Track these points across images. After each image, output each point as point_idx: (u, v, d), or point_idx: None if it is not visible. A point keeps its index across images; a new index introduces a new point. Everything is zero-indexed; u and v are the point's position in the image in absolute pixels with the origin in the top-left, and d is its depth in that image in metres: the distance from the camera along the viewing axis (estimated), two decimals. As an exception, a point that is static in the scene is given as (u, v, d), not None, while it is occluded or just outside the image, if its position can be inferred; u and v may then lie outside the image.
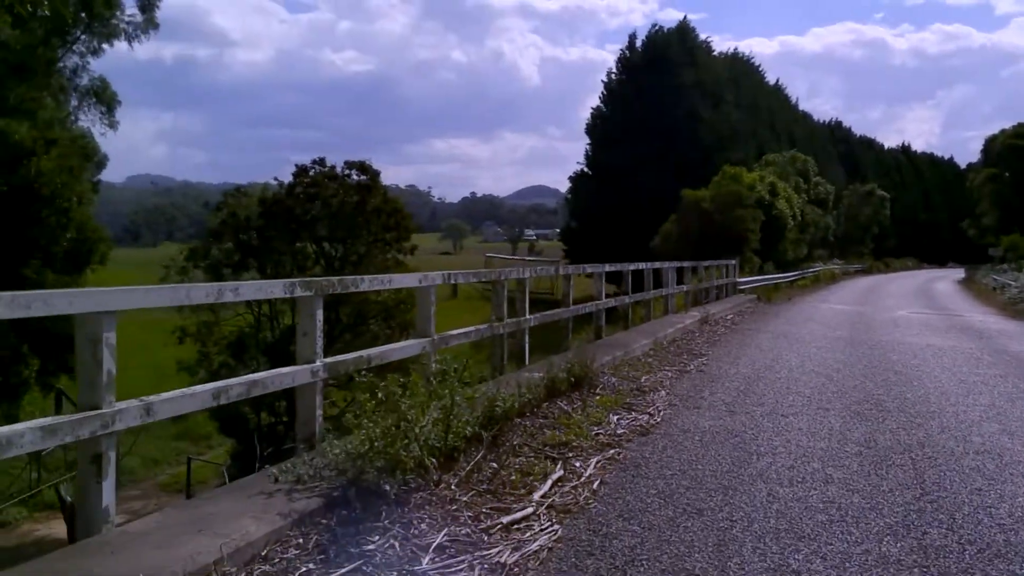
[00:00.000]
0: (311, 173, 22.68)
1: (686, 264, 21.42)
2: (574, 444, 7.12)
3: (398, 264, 22.14)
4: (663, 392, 10.20)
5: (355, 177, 22.23)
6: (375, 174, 22.23)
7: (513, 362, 10.19)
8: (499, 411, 6.89)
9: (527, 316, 10.23)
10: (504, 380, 8.60)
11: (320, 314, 6.11)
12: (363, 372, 6.37)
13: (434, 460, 5.65)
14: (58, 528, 21.13)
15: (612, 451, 7.11)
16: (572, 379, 9.28)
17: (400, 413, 5.56)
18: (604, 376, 10.63)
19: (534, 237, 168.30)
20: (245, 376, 5.75)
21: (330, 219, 21.80)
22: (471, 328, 8.74)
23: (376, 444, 5.34)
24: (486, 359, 10.19)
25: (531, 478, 6.10)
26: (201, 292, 5.64)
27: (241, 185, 23.37)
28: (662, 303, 19.51)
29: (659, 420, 8.57)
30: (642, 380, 10.86)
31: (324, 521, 4.94)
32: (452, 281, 8.29)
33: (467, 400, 6.06)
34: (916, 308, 28.10)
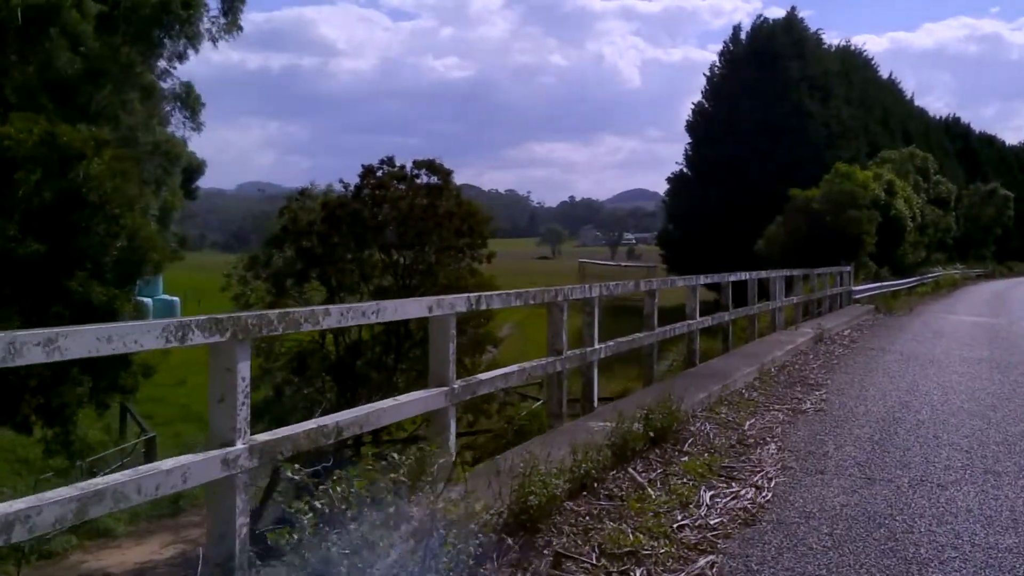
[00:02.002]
0: (379, 174, 20.87)
1: (796, 272, 18.81)
2: (645, 551, 4.88)
3: (472, 273, 20.13)
4: (773, 446, 7.83)
5: (425, 178, 20.32)
6: (447, 174, 20.26)
7: (580, 405, 8.02)
8: (534, 501, 4.72)
9: (595, 346, 8.01)
10: (558, 436, 6.45)
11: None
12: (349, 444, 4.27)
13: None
14: (107, 559, 19.86)
15: (703, 561, 4.85)
16: (651, 433, 7.03)
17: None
18: (696, 422, 8.33)
19: (633, 241, 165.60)
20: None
21: (398, 224, 19.93)
22: (514, 368, 6.59)
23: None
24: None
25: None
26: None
27: (306, 187, 21.67)
28: (768, 317, 17.00)
29: (769, 497, 6.24)
30: (745, 427, 8.50)
31: None
32: (483, 306, 6.16)
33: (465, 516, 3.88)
34: (1062, 320, 24.69)
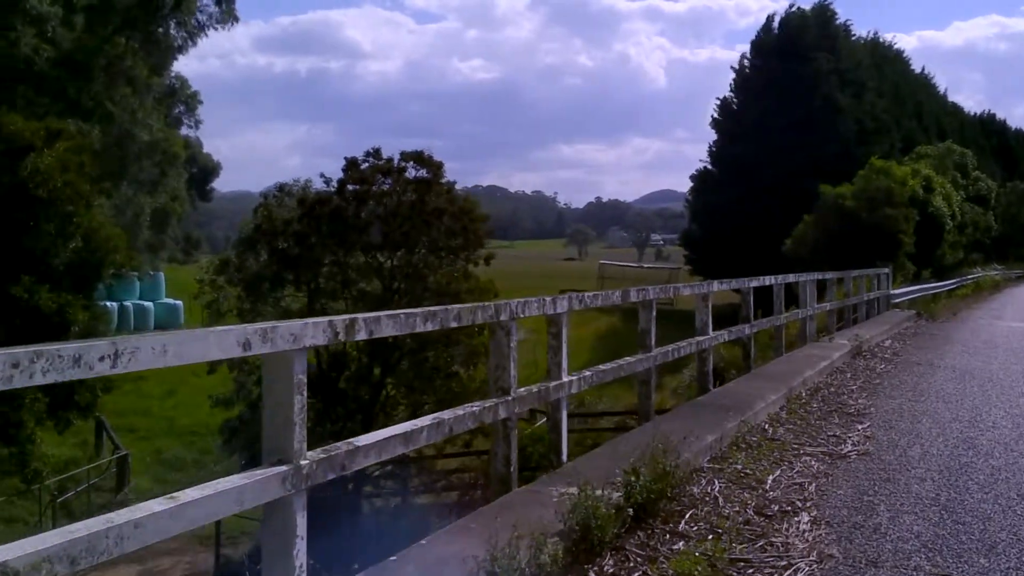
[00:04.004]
0: (364, 167, 18.87)
1: (829, 275, 16.59)
2: None
3: (467, 277, 18.11)
4: (805, 517, 5.71)
5: (413, 172, 18.31)
6: (437, 167, 18.23)
7: (547, 459, 5.95)
8: None
9: (563, 379, 5.92)
10: (494, 513, 4.41)
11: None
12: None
13: None
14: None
15: None
16: (632, 507, 4.95)
17: None
18: (701, 479, 6.24)
19: (661, 242, 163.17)
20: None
21: (383, 222, 17.94)
22: (425, 421, 4.51)
23: None
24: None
25: None
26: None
27: (286, 184, 19.67)
28: (797, 327, 14.83)
29: (801, 619, 4.15)
30: (768, 484, 6.39)
31: None
32: (361, 334, 4.01)
33: None
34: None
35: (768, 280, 12.32)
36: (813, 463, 7.17)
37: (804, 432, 8.35)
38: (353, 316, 4.01)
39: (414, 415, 18.97)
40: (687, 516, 5.40)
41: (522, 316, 5.44)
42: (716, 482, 6.29)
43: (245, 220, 20.46)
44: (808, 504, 6.01)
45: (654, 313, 7.77)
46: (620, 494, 4.98)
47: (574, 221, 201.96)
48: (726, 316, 12.79)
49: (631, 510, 4.94)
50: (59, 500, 19.14)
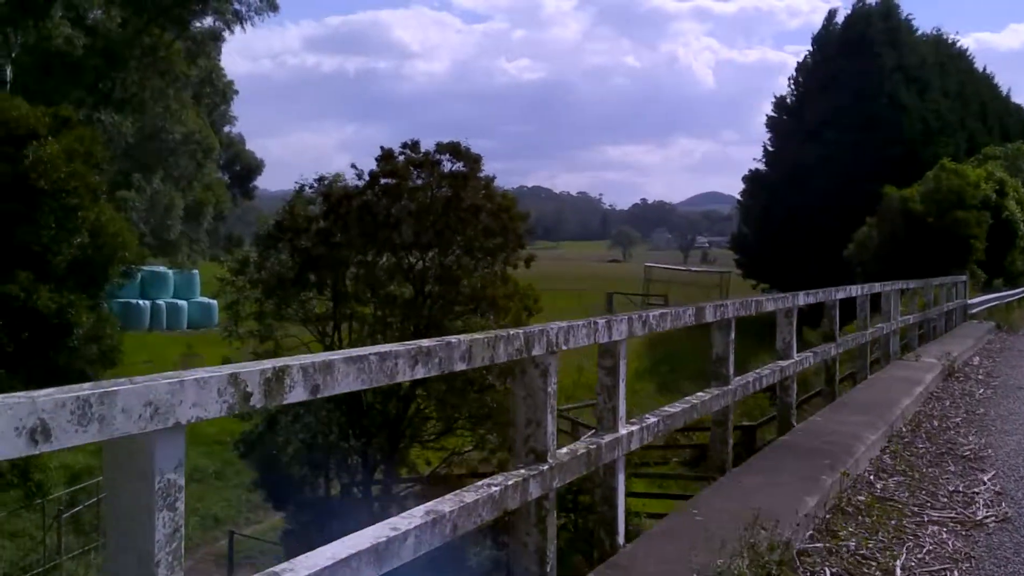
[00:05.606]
0: (400, 159, 17.34)
1: (912, 284, 14.76)
2: None
3: (504, 280, 16.52)
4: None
5: (449, 165, 16.74)
6: (475, 159, 16.65)
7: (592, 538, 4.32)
8: None
9: (621, 429, 4.20)
10: None
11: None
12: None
13: None
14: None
15: None
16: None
17: None
18: (805, 570, 4.58)
19: (707, 245, 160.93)
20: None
21: (415, 219, 16.41)
22: (419, 516, 2.90)
23: None
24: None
25: None
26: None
27: (325, 176, 18.09)
28: (880, 344, 13.01)
29: None
30: (896, 572, 4.71)
31: None
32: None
33: None
34: None
35: (854, 291, 10.59)
36: (945, 536, 5.45)
37: (919, 487, 6.62)
38: (283, 363, 2.44)
39: (447, 431, 17.44)
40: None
41: (565, 348, 3.84)
42: (827, 571, 4.62)
43: (263, 216, 19.04)
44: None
45: (732, 336, 6.11)
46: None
47: (619, 223, 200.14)
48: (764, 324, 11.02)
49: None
50: (65, 515, 17.83)
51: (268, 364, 2.45)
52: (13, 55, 25.47)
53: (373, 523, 2.86)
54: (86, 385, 2.00)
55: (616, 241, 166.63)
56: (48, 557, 17.43)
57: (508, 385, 16.30)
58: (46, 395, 1.88)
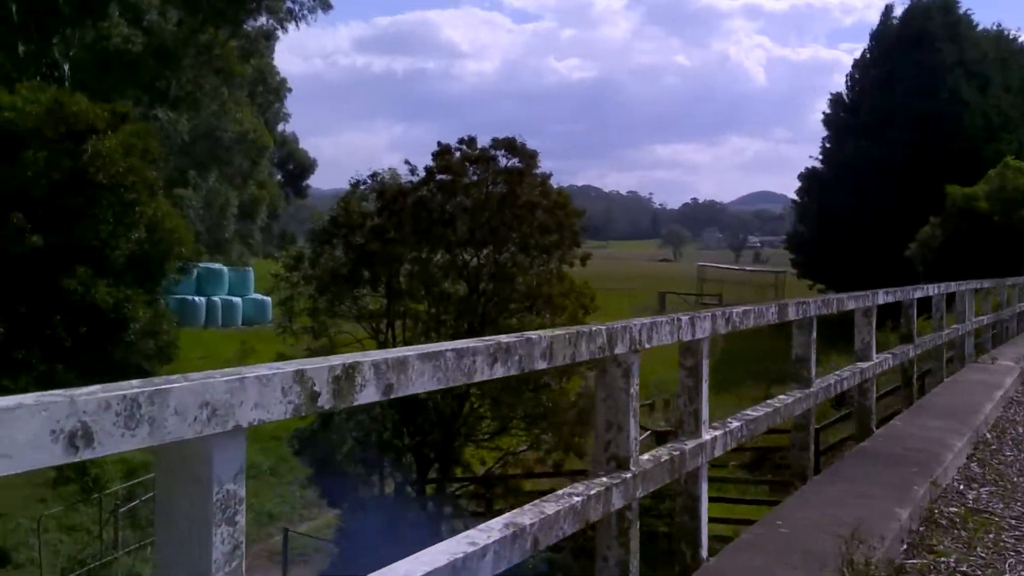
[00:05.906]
0: (457, 155, 17.15)
1: (986, 283, 14.23)
2: None
3: (560, 278, 16.25)
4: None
5: (504, 161, 16.51)
6: (531, 155, 16.40)
7: (672, 550, 4.04)
8: None
9: (705, 435, 3.94)
10: None
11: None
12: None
13: None
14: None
15: None
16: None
17: None
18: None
19: (759, 244, 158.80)
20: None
21: (470, 216, 16.21)
22: (497, 529, 2.68)
23: None
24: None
25: None
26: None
27: (379, 172, 17.99)
28: (955, 345, 12.50)
29: None
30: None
31: None
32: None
33: None
34: None
35: (931, 290, 10.15)
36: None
37: (1012, 498, 6.21)
38: (353, 360, 2.19)
39: (501, 430, 17.21)
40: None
41: (648, 346, 3.56)
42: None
43: (318, 212, 18.97)
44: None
45: (814, 335, 5.78)
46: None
47: (669, 222, 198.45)
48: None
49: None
50: (122, 509, 17.94)
51: (337, 360, 2.21)
52: (71, 53, 25.82)
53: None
54: (134, 383, 1.77)
55: (666, 240, 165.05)
56: (105, 551, 17.53)
57: (564, 384, 16.11)
58: (88, 394, 1.65)
